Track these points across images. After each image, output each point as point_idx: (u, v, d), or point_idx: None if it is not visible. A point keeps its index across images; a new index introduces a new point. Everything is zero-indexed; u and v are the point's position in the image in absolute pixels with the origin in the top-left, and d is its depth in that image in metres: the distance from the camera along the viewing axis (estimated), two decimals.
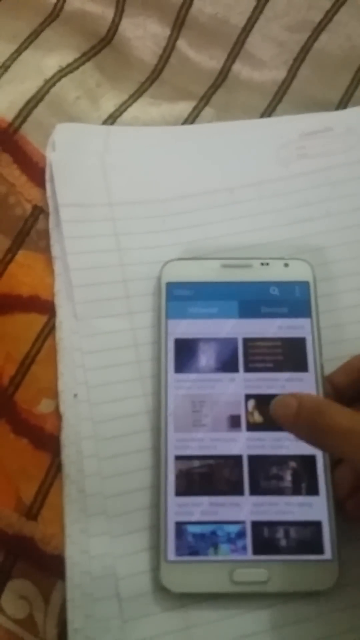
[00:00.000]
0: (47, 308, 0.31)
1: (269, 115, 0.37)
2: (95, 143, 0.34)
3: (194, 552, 0.26)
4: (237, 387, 0.29)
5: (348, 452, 0.22)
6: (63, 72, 0.36)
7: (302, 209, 0.33)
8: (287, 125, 0.35)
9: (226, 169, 0.34)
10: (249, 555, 0.26)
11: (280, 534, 0.27)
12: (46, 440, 0.29)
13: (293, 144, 0.35)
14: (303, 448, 0.27)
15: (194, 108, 0.37)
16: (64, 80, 0.36)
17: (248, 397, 0.29)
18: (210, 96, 0.37)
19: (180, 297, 0.30)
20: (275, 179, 0.34)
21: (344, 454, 0.23)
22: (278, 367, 0.29)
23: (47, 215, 0.33)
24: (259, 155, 0.34)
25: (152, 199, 0.33)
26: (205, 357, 0.29)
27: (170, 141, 0.35)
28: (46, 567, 0.27)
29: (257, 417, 0.28)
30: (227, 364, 0.29)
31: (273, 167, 0.34)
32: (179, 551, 0.26)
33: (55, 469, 0.28)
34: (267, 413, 0.28)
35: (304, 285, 0.31)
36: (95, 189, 0.33)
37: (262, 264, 0.31)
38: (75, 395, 0.29)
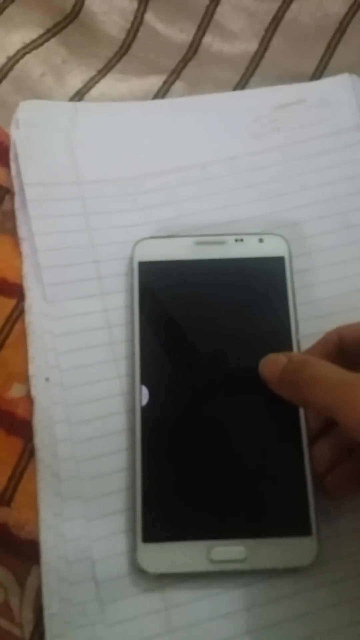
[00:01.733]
0: (15, 291, 0.31)
1: (242, 88, 0.37)
2: (61, 120, 0.34)
3: (170, 532, 0.27)
4: (211, 364, 0.29)
5: (332, 406, 0.22)
6: (27, 49, 0.36)
7: (276, 183, 0.33)
8: (259, 98, 0.35)
9: (198, 144, 0.34)
10: (226, 533, 0.27)
11: (258, 510, 0.27)
12: (18, 426, 0.29)
13: (266, 117, 0.35)
14: (282, 423, 0.28)
15: (164, 82, 0.37)
16: (28, 57, 0.36)
17: (223, 374, 0.29)
18: (180, 70, 0.37)
19: (153, 276, 0.30)
20: (249, 153, 0.34)
21: (328, 407, 0.22)
22: (254, 345, 0.29)
23: (12, 195, 0.32)
24: (232, 129, 0.34)
25: (122, 176, 0.33)
26: (180, 337, 0.29)
27: (139, 116, 0.35)
28: (20, 552, 0.27)
29: (233, 393, 0.29)
30: (203, 343, 0.29)
31: (246, 141, 0.34)
32: (155, 532, 0.26)
33: (28, 454, 0.29)
34: (243, 389, 0.29)
35: (280, 260, 0.31)
36: (62, 167, 0.32)
37: (237, 240, 0.31)
38: (47, 379, 0.29)
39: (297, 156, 0.34)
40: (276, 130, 0.34)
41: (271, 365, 0.25)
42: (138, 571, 0.26)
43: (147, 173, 0.33)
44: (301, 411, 0.28)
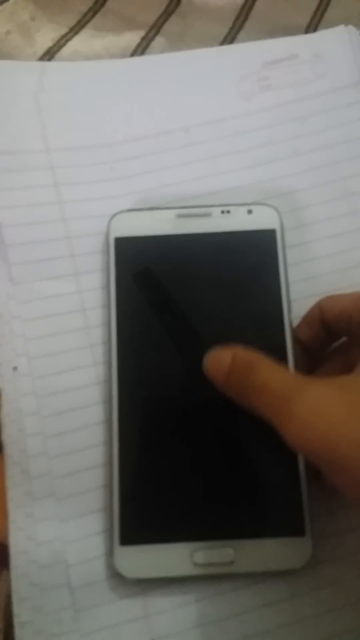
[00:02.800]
0: None
1: (229, 43, 0.34)
2: (29, 81, 0.31)
3: (150, 533, 0.25)
4: (196, 350, 0.26)
5: (275, 418, 0.20)
6: None
7: (266, 148, 0.31)
8: (247, 54, 0.32)
9: (180, 105, 0.31)
10: (212, 533, 0.25)
11: (246, 509, 0.25)
12: None
13: (255, 75, 0.32)
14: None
15: (143, 38, 0.34)
16: None
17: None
18: (161, 25, 0.34)
19: (131, 253, 0.28)
20: (236, 115, 0.31)
21: (272, 419, 0.20)
22: (243, 327, 0.27)
23: None
24: (217, 88, 0.32)
25: (96, 143, 0.30)
26: (161, 322, 0.27)
27: (115, 76, 0.32)
28: None
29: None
30: (185, 329, 0.27)
31: (233, 102, 0.31)
32: (134, 533, 0.24)
33: None
34: None
35: (271, 234, 0.28)
36: (29, 134, 0.30)
37: (223, 212, 0.28)
38: (14, 368, 0.27)
39: (290, 118, 0.31)
40: (266, 89, 0.32)
41: (215, 364, 0.23)
42: (116, 576, 0.24)
43: (124, 139, 0.30)
44: None
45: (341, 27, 0.33)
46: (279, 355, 0.26)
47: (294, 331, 0.27)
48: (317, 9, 0.34)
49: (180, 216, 0.28)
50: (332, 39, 0.32)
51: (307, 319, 0.26)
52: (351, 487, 0.19)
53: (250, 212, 0.28)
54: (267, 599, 0.25)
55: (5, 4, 0.33)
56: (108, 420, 0.26)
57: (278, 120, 0.31)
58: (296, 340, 0.26)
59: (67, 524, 0.25)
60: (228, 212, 0.28)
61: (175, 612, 0.24)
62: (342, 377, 0.21)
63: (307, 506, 0.25)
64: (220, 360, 0.22)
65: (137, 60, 0.33)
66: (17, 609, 0.24)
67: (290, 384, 0.20)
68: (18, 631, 0.24)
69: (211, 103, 0.31)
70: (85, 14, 0.34)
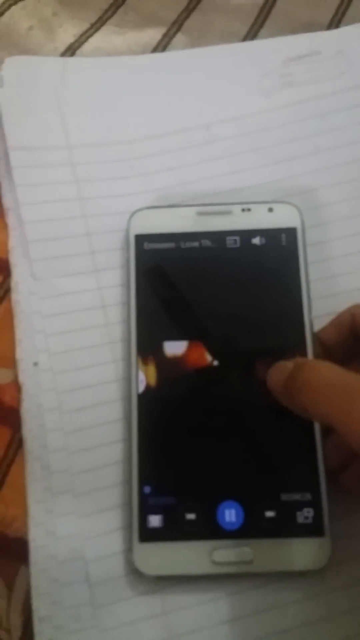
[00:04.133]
0: (1, 267, 0.29)
1: (250, 40, 0.33)
2: (50, 77, 0.31)
3: (169, 530, 0.24)
4: (216, 347, 0.26)
5: (331, 414, 0.20)
6: (13, 0, 0.33)
7: (287, 145, 0.30)
8: (269, 50, 0.32)
9: (201, 102, 0.31)
10: (231, 532, 0.24)
11: (266, 508, 0.25)
12: (5, 414, 0.27)
13: (277, 72, 0.32)
14: (293, 414, 0.25)
15: (164, 35, 0.33)
16: (13, 8, 0.33)
17: (229, 358, 0.26)
18: (182, 21, 0.34)
19: (150, 250, 0.28)
20: (257, 112, 0.31)
21: (327, 415, 0.20)
22: (262, 325, 0.26)
23: None
24: (238, 85, 0.31)
25: (117, 140, 0.30)
26: (181, 318, 0.27)
27: (136, 72, 0.32)
28: (8, 551, 0.25)
29: (240, 379, 0.26)
30: (206, 324, 0.27)
31: (254, 99, 0.31)
32: (153, 530, 0.24)
33: (16, 444, 0.26)
34: (251, 374, 0.26)
35: (291, 232, 0.28)
36: (50, 130, 0.30)
37: (243, 210, 0.28)
38: (35, 364, 0.27)
39: (311, 114, 0.31)
40: (288, 86, 0.31)
41: (278, 373, 0.23)
42: (134, 573, 0.24)
43: (145, 136, 0.30)
44: None
45: None
46: (299, 354, 0.26)
47: (318, 333, 0.26)
48: (339, 6, 0.34)
49: (200, 214, 0.28)
50: (355, 35, 0.32)
51: (336, 323, 0.26)
52: None
53: (271, 210, 0.28)
54: (285, 599, 0.24)
55: (28, 0, 0.33)
56: (127, 417, 0.26)
57: (299, 117, 0.31)
58: (320, 342, 0.26)
59: (87, 519, 0.25)
60: (249, 209, 0.28)
61: (193, 609, 0.24)
62: None
63: (326, 506, 0.24)
64: (283, 367, 0.23)
65: (158, 56, 0.33)
66: (36, 603, 0.24)
67: (351, 381, 0.20)
68: (37, 626, 0.24)
69: (232, 100, 0.31)
70: (107, 10, 0.34)
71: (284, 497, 0.25)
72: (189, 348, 0.26)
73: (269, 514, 0.24)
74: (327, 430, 0.25)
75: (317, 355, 0.26)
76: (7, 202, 0.29)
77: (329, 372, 0.21)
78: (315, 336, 0.26)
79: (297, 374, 0.22)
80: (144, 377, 0.26)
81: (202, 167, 0.30)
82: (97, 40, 0.33)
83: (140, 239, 0.28)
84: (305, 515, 0.24)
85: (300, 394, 0.21)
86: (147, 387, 0.26)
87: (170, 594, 0.24)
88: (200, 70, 0.32)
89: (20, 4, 0.33)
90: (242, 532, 0.24)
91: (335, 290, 0.29)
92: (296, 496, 0.25)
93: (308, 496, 0.25)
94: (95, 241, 0.29)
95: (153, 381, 0.26)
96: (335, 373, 0.21)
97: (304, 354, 0.26)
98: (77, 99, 0.31)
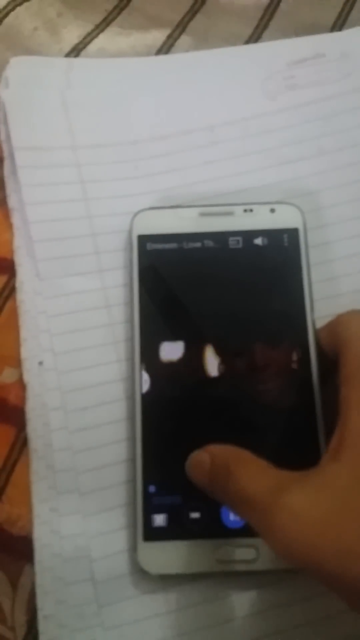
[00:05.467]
0: (5, 267, 0.29)
1: (254, 43, 0.34)
2: (55, 77, 0.31)
3: (173, 529, 0.25)
4: (218, 347, 0.27)
5: (255, 526, 0.20)
6: (18, 1, 0.34)
7: (291, 147, 0.31)
8: (273, 53, 0.33)
9: (205, 104, 0.31)
10: (235, 530, 0.25)
11: None
12: (10, 413, 0.27)
13: (281, 74, 0.32)
14: (296, 411, 0.26)
15: (168, 37, 0.34)
16: (19, 9, 0.33)
17: (231, 358, 0.27)
18: (187, 23, 0.34)
19: (153, 251, 0.28)
20: (261, 114, 0.31)
21: (252, 525, 0.20)
22: (265, 326, 0.27)
23: (1, 161, 0.30)
24: (242, 87, 0.32)
25: (121, 140, 0.31)
26: (184, 318, 0.27)
27: (141, 74, 0.32)
28: (12, 550, 0.26)
29: (242, 378, 0.26)
30: (209, 324, 0.27)
31: (258, 101, 0.32)
32: (157, 529, 0.25)
33: (20, 443, 0.27)
34: (253, 374, 0.26)
35: (293, 233, 0.28)
36: (55, 130, 0.30)
37: (246, 210, 0.29)
38: (40, 363, 0.27)
39: (315, 117, 0.31)
40: (292, 88, 0.32)
41: (196, 467, 0.23)
42: (139, 571, 0.25)
43: (149, 137, 0.31)
44: (317, 400, 0.26)
45: None
46: (302, 355, 0.26)
47: (316, 333, 0.27)
48: (343, 8, 0.34)
49: (203, 214, 0.29)
50: (359, 38, 0.33)
51: (330, 328, 0.26)
52: (348, 598, 0.19)
53: (273, 210, 0.29)
54: (289, 597, 0.25)
55: (33, 1, 0.34)
56: (131, 417, 0.26)
57: (303, 119, 0.31)
58: (318, 344, 0.26)
59: (91, 518, 0.26)
60: (251, 210, 0.29)
61: (197, 608, 0.25)
62: (316, 475, 0.20)
63: None
64: (200, 462, 0.23)
65: (163, 58, 0.33)
66: (40, 602, 0.25)
67: (266, 492, 0.20)
68: (41, 624, 0.24)
69: (236, 102, 0.32)
70: (111, 12, 0.34)
71: None
72: (192, 348, 0.27)
73: None
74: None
75: (320, 354, 0.26)
76: (12, 202, 0.29)
77: (246, 482, 0.21)
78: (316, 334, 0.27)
79: (224, 480, 0.21)
80: (148, 377, 0.27)
81: (206, 169, 0.30)
82: (101, 41, 0.34)
83: (143, 239, 0.28)
84: None
85: (228, 501, 0.22)
86: (151, 387, 0.26)
87: (175, 593, 0.25)
88: (205, 72, 0.32)
89: (25, 5, 0.33)
90: (246, 531, 0.25)
91: (339, 292, 0.29)
92: None
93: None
94: (100, 241, 0.29)
95: (157, 381, 0.26)
96: (252, 483, 0.21)
97: (307, 354, 0.26)
98: (82, 99, 0.31)
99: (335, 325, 0.25)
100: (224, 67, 0.32)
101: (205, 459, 0.23)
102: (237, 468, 0.21)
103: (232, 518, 0.25)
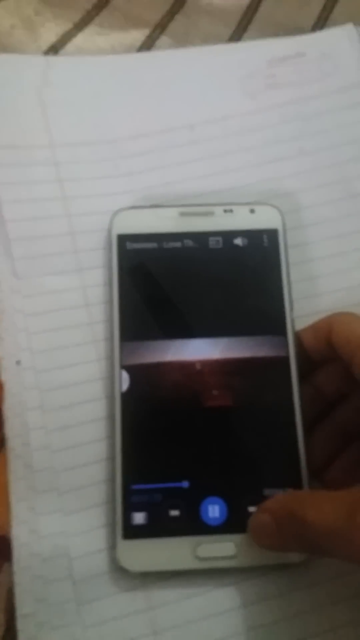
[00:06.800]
0: None
1: None
2: (33, 76, 0.33)
3: (153, 527, 0.26)
4: (198, 347, 0.28)
5: (336, 555, 0.22)
6: None
7: (271, 147, 0.33)
8: (254, 52, 0.34)
9: (185, 103, 0.33)
10: (215, 528, 0.26)
11: (249, 504, 0.26)
12: None
13: (261, 73, 0.34)
14: (276, 410, 0.27)
15: (148, 37, 0.36)
16: None
17: (211, 357, 0.28)
18: (166, 24, 0.36)
19: (133, 250, 0.30)
20: (242, 113, 0.33)
21: (336, 557, 0.23)
22: (245, 325, 0.29)
23: None
24: (223, 86, 0.34)
25: (100, 139, 0.32)
26: (164, 317, 0.29)
27: (120, 72, 0.34)
28: None
29: (222, 377, 0.28)
30: (188, 324, 0.29)
31: (239, 100, 0.33)
32: (137, 527, 0.26)
33: None
34: (233, 373, 0.28)
35: (273, 233, 0.30)
36: (33, 128, 0.32)
37: (225, 211, 0.30)
38: (17, 362, 0.29)
39: (296, 117, 0.33)
40: (272, 87, 0.34)
41: (260, 531, 0.25)
42: (119, 569, 0.26)
43: (129, 135, 0.32)
44: (296, 398, 0.27)
45: (349, 26, 0.35)
46: (281, 354, 0.28)
47: (299, 333, 0.28)
48: (322, 10, 0.36)
49: (182, 214, 0.30)
50: (339, 37, 0.35)
51: (315, 327, 0.27)
52: None
53: (252, 211, 0.30)
54: (269, 592, 0.26)
55: None
56: (111, 416, 0.28)
57: (283, 118, 0.33)
58: (299, 342, 0.28)
59: (70, 517, 0.27)
60: (231, 211, 0.30)
61: (177, 605, 0.26)
62: None
63: None
64: (263, 525, 0.24)
65: (143, 56, 0.35)
66: (19, 601, 0.26)
67: (339, 520, 0.21)
68: (20, 623, 0.25)
69: (216, 100, 0.33)
70: (90, 11, 0.36)
71: (267, 492, 0.26)
72: (171, 347, 0.28)
73: (252, 509, 0.26)
74: (309, 425, 0.27)
75: (299, 354, 0.28)
76: None
77: (316, 516, 0.22)
78: (296, 335, 0.28)
79: (294, 523, 0.23)
80: (127, 376, 0.28)
81: (186, 168, 0.32)
82: (80, 40, 0.35)
83: (123, 238, 0.30)
84: None
85: (303, 544, 0.23)
86: (131, 386, 0.28)
87: (155, 590, 0.26)
88: (185, 70, 0.34)
89: (2, 3, 0.35)
90: (226, 528, 0.26)
91: (318, 291, 0.31)
92: (279, 491, 0.26)
93: (290, 492, 0.27)
94: (79, 240, 0.30)
95: (136, 380, 0.28)
96: (322, 515, 0.22)
97: (285, 354, 0.28)
98: (60, 97, 0.32)
99: (332, 327, 0.26)
100: (204, 65, 0.34)
101: (266, 520, 0.24)
102: (305, 512, 0.23)
103: (211, 515, 0.26)
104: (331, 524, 0.22)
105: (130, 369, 0.28)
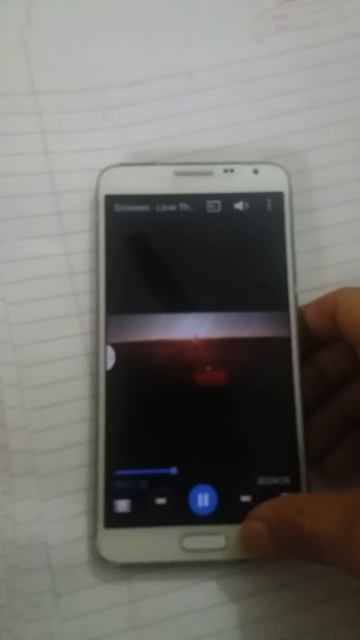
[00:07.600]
0: None
1: None
2: (14, 14, 0.31)
3: (137, 516, 0.26)
4: (192, 321, 0.27)
5: (332, 563, 0.21)
6: None
7: (280, 98, 0.31)
8: None
9: (184, 46, 0.31)
10: (202, 518, 0.26)
11: (242, 493, 0.26)
12: None
13: (270, 13, 0.32)
14: (274, 394, 0.27)
15: None
16: None
17: (205, 333, 0.27)
18: None
19: (122, 213, 0.28)
20: (247, 58, 0.31)
21: (330, 564, 0.22)
22: (244, 298, 0.27)
23: None
24: (226, 27, 0.32)
25: (88, 86, 0.30)
26: (155, 288, 0.27)
27: (112, 10, 0.31)
28: None
29: (216, 356, 0.27)
30: (182, 295, 0.27)
31: (244, 43, 0.31)
32: (120, 515, 0.26)
33: None
34: (229, 352, 0.27)
35: (278, 197, 0.28)
36: (13, 73, 0.30)
37: (226, 170, 0.29)
38: None
39: (308, 64, 0.31)
40: (283, 30, 0.32)
41: (252, 540, 0.24)
42: (99, 560, 0.26)
43: (120, 82, 0.30)
44: (296, 380, 0.27)
45: None
46: (282, 332, 0.27)
47: (302, 309, 0.27)
48: None
49: (178, 173, 0.29)
50: None
51: (320, 304, 0.26)
52: None
53: (256, 171, 0.29)
54: (259, 587, 0.26)
55: None
56: (95, 395, 0.27)
57: (294, 66, 0.31)
58: (302, 319, 0.27)
59: (48, 503, 0.26)
60: (232, 170, 0.29)
61: (161, 598, 0.26)
62: None
63: (305, 491, 0.26)
64: (256, 532, 0.24)
65: None
66: None
67: (337, 529, 0.21)
68: None
69: (219, 44, 0.31)
70: None
71: (261, 481, 0.26)
72: (163, 321, 0.27)
73: (245, 498, 0.26)
74: (310, 411, 0.27)
75: (300, 330, 0.27)
76: None
77: (315, 525, 0.22)
78: (299, 311, 0.27)
79: (290, 532, 0.22)
80: (113, 352, 0.27)
81: (183, 120, 0.30)
82: None
83: (111, 200, 0.28)
84: None
85: (300, 551, 0.23)
86: (117, 363, 0.27)
87: (137, 582, 0.26)
88: (184, 9, 0.31)
89: None
90: (215, 518, 0.26)
91: (324, 263, 0.30)
92: (274, 480, 0.26)
93: (287, 480, 0.26)
94: (63, 201, 0.29)
95: (123, 357, 0.27)
96: (332, 519, 0.21)
97: (287, 329, 0.27)
98: (44, 39, 0.31)
99: (338, 304, 0.25)
100: (206, 3, 0.32)
101: (259, 528, 0.24)
102: (302, 520, 0.22)
103: (200, 504, 0.26)
104: (329, 535, 0.21)
105: (116, 344, 0.27)
